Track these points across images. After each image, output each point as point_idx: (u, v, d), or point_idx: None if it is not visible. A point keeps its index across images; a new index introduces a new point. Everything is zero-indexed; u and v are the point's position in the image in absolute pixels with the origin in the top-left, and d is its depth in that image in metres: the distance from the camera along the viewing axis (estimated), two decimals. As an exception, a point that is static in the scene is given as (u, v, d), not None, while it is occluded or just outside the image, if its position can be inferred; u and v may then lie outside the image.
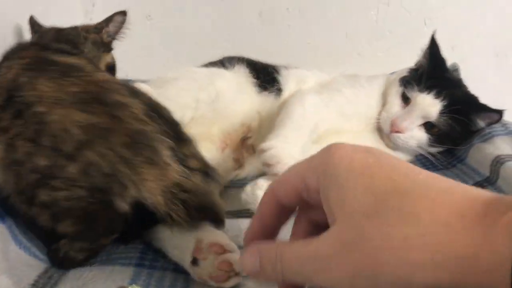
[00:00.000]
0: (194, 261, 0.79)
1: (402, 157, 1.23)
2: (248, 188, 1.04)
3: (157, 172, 0.73)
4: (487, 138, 1.16)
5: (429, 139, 1.16)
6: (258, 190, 1.02)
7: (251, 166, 1.25)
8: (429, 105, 1.14)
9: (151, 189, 0.73)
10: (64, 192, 0.70)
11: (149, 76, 1.31)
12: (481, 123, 1.17)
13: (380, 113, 1.23)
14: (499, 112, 1.16)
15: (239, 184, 1.23)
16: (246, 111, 1.24)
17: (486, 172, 1.10)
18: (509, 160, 1.04)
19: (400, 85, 1.22)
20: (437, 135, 1.16)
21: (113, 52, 1.22)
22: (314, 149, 0.91)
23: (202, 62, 1.38)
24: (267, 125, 1.25)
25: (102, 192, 0.71)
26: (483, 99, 1.21)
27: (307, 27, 1.89)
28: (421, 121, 1.16)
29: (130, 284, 0.74)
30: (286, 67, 1.34)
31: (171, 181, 0.74)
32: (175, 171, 0.75)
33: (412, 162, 1.25)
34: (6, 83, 0.73)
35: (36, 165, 0.69)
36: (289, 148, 1.05)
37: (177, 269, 0.82)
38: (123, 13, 1.15)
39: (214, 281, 0.76)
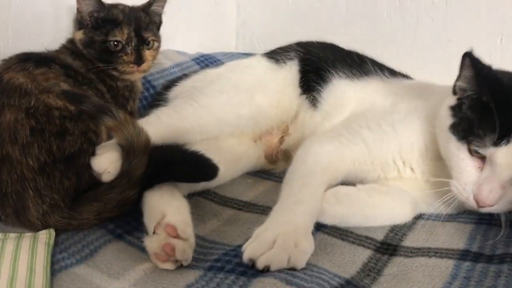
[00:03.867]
0: (154, 233, 0.86)
1: None
2: None
3: None
4: None
5: None
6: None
7: (284, 167, 1.21)
8: None
9: None
10: None
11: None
12: None
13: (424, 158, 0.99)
14: None
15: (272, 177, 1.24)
16: (284, 114, 1.22)
17: None
18: None
19: (458, 139, 0.89)
20: None
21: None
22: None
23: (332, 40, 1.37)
24: (300, 133, 1.20)
25: None
26: None
27: (452, 22, 1.61)
28: None
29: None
30: (338, 77, 1.19)
31: None
32: None
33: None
34: None
35: None
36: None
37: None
38: None
39: (154, 257, 0.83)
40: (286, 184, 0.98)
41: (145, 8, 1.18)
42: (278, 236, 0.80)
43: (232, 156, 1.17)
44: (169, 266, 0.82)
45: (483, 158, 0.88)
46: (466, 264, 0.83)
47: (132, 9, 1.16)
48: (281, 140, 1.24)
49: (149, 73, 1.44)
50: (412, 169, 1.04)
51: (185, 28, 1.83)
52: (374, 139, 1.03)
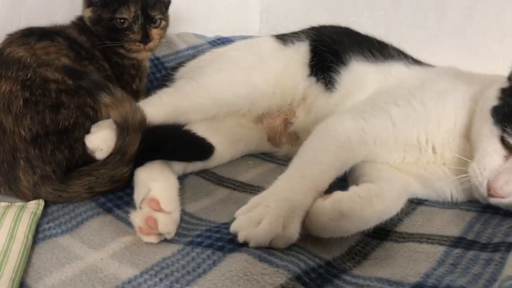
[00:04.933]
0: (140, 208, 0.86)
1: None
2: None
3: None
4: None
5: None
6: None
7: (289, 150, 1.20)
8: None
9: None
10: None
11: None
12: None
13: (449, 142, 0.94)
14: None
15: (274, 160, 1.22)
16: (286, 94, 1.18)
17: None
18: None
19: (495, 122, 0.86)
20: None
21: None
22: None
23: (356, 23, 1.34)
24: (313, 115, 1.16)
25: None
26: None
27: (481, 2, 1.52)
28: None
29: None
30: (355, 61, 1.14)
31: None
32: None
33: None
34: None
35: None
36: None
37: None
38: None
39: (139, 231, 0.83)
40: (298, 155, 0.93)
41: None
42: (268, 215, 0.77)
43: (231, 137, 1.16)
44: (152, 239, 0.82)
45: (510, 149, 0.85)
46: (456, 251, 0.78)
47: None
48: (285, 122, 1.21)
49: (162, 54, 1.45)
50: (433, 149, 0.97)
51: (206, 12, 1.82)
52: (401, 114, 0.97)
